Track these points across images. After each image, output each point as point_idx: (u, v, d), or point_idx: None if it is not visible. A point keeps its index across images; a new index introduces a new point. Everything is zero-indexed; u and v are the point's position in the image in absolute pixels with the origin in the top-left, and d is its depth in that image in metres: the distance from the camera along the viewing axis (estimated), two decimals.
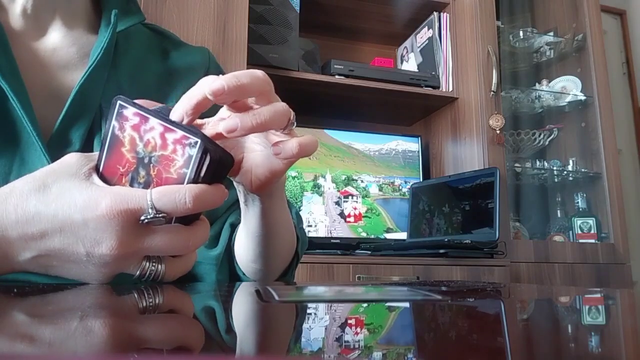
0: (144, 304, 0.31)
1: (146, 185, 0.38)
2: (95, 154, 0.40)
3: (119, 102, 0.38)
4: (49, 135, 0.50)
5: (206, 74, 0.65)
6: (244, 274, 0.57)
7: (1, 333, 0.19)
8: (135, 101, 0.39)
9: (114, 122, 0.38)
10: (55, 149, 0.49)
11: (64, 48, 0.56)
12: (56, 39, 0.56)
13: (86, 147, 0.51)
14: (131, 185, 0.38)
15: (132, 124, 0.37)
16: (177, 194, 0.36)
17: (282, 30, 1.64)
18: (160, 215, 0.36)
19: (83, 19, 0.59)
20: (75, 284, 0.40)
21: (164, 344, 0.19)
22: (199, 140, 0.36)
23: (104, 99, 0.53)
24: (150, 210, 0.36)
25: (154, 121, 0.37)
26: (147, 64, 0.61)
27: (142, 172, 0.38)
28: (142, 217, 0.36)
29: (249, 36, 1.55)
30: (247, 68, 1.53)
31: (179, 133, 0.36)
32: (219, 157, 0.38)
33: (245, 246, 0.54)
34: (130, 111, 0.38)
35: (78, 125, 0.51)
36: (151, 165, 0.37)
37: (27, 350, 0.16)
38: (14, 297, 0.31)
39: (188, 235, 0.39)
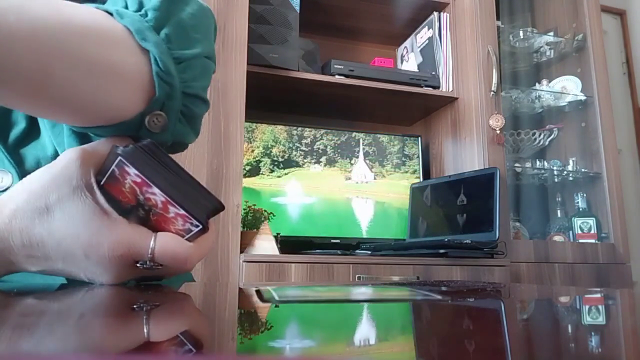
0: (143, 304, 0.31)
1: (144, 221, 0.38)
2: (94, 149, 0.38)
3: (119, 158, 0.36)
4: None
5: None
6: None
7: (1, 333, 0.19)
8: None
9: (113, 167, 0.37)
10: (3, 132, 0.47)
11: None
12: None
13: (32, 125, 0.48)
14: (131, 212, 0.38)
15: (133, 180, 0.36)
16: (179, 256, 0.37)
17: (282, 30, 1.64)
18: (156, 266, 0.37)
19: None
20: (76, 284, 0.40)
21: (163, 343, 0.19)
22: (201, 226, 0.37)
23: None
24: (148, 262, 0.37)
25: (157, 191, 0.36)
26: None
27: (142, 212, 0.38)
28: (139, 264, 0.37)
29: (249, 36, 1.55)
30: (247, 68, 1.54)
31: (182, 211, 0.36)
32: (214, 212, 0.38)
33: None
34: (131, 170, 0.36)
35: None
36: (151, 213, 0.38)
37: (27, 351, 0.16)
38: (14, 297, 0.31)
39: (185, 261, 0.39)
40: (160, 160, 0.37)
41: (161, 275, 0.41)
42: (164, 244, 0.37)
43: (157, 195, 0.36)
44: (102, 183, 0.37)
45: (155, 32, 0.39)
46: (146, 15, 0.39)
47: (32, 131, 0.48)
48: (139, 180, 0.36)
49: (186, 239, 0.37)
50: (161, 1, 0.40)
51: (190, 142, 0.46)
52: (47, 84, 0.34)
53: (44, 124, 0.47)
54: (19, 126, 0.48)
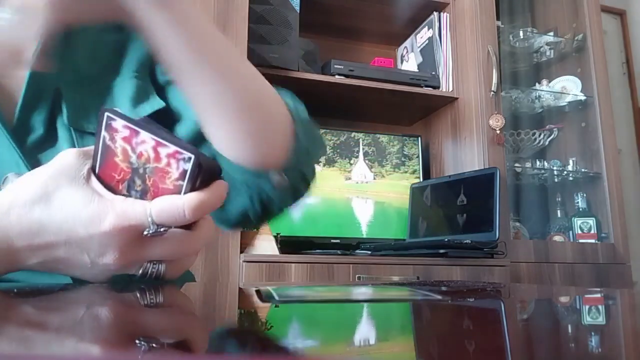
0: (143, 304, 0.31)
1: (143, 193, 0.38)
2: (91, 148, 0.40)
3: (106, 113, 0.37)
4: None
5: None
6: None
7: (1, 333, 0.19)
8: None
9: (103, 133, 0.38)
10: (20, 136, 0.48)
11: None
12: None
13: (50, 131, 0.50)
14: (128, 191, 0.38)
15: (122, 136, 0.37)
16: (176, 209, 0.37)
17: (282, 30, 1.64)
18: (162, 229, 0.37)
19: None
20: (75, 284, 0.40)
21: (164, 344, 0.19)
22: (193, 156, 0.36)
23: (60, 81, 0.52)
24: (151, 226, 0.37)
25: (145, 135, 0.37)
26: (105, 40, 0.59)
27: (138, 181, 0.38)
28: (145, 232, 0.37)
29: (249, 36, 1.55)
30: None
31: (172, 148, 0.36)
32: (209, 167, 0.38)
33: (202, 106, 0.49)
34: (119, 123, 0.37)
35: (39, 111, 0.50)
36: (146, 175, 0.38)
37: (28, 351, 0.16)
38: (14, 297, 0.31)
39: (190, 240, 0.40)
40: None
41: (166, 257, 0.40)
42: (160, 203, 0.37)
43: (147, 144, 0.36)
44: (97, 171, 0.38)
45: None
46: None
47: (49, 138, 0.49)
48: (127, 133, 0.37)
49: (186, 185, 0.37)
50: (293, 99, 0.56)
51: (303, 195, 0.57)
52: (245, 114, 0.48)
53: None
54: (37, 132, 0.49)
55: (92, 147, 0.40)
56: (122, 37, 0.60)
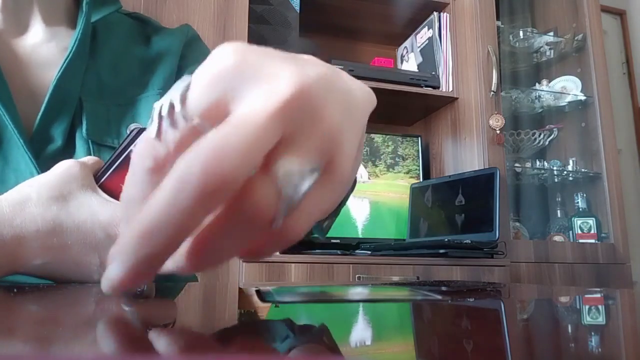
0: (143, 303, 0.31)
1: None
2: (88, 158, 0.41)
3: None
4: (31, 133, 0.49)
5: (185, 51, 0.62)
6: None
7: (1, 333, 0.19)
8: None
9: (132, 147, 0.39)
10: (38, 146, 0.48)
11: (44, 44, 0.55)
12: (36, 36, 0.55)
13: (68, 143, 0.50)
14: None
15: None
16: None
17: (282, 30, 1.64)
18: None
19: (63, 14, 0.58)
20: (74, 284, 0.40)
21: (163, 343, 0.19)
22: None
23: (83, 92, 0.52)
24: None
25: None
26: (130, 53, 0.59)
27: None
28: None
29: (249, 36, 1.55)
30: None
31: None
32: None
33: None
34: None
35: (59, 121, 0.50)
36: None
37: (28, 351, 0.16)
38: (14, 297, 0.31)
39: None
40: None
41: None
42: None
43: None
44: (101, 181, 0.40)
45: None
46: None
47: (67, 150, 0.49)
48: None
49: None
50: None
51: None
52: None
53: None
54: (55, 143, 0.49)
55: (89, 158, 0.42)
56: (148, 54, 0.61)
